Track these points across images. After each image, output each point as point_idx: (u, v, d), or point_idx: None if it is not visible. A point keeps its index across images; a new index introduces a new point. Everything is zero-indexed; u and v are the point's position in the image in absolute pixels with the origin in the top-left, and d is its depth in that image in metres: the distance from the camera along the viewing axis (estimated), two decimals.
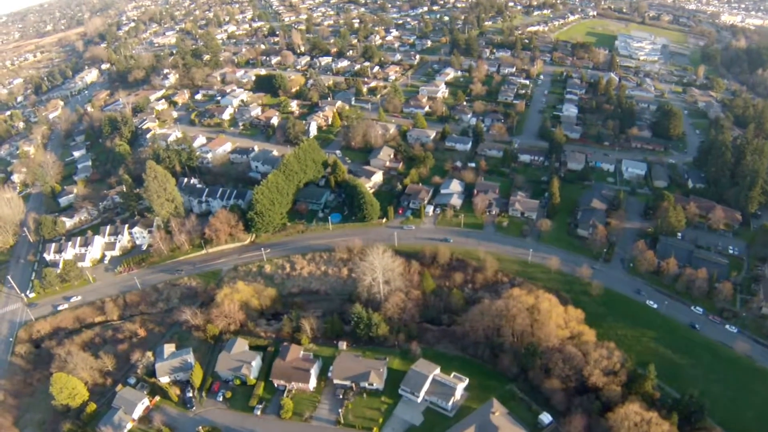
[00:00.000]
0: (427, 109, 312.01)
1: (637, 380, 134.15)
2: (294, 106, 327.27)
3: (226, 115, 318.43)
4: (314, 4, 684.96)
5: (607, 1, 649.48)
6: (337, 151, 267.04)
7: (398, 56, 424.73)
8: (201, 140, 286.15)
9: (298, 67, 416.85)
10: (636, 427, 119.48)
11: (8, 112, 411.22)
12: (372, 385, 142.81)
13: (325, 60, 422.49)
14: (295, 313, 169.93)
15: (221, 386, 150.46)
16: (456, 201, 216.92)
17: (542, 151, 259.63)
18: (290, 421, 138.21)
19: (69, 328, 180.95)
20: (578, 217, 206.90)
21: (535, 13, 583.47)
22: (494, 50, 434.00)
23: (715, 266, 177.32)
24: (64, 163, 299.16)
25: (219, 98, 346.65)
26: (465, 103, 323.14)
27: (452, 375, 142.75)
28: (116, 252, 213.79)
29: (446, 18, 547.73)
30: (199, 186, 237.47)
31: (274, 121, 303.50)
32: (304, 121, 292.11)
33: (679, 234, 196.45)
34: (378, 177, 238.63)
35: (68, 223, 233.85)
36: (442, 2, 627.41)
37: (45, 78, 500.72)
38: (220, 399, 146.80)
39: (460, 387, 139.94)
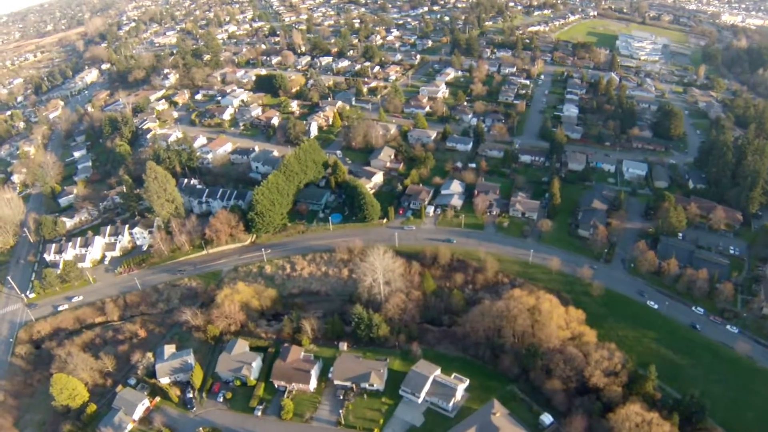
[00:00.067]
0: (427, 109, 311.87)
1: (638, 381, 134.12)
2: (294, 106, 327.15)
3: (227, 116, 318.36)
4: (315, 4, 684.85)
5: (608, 1, 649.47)
6: (338, 152, 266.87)
7: (399, 56, 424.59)
8: (201, 140, 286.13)
9: (299, 67, 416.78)
10: (637, 428, 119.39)
11: (8, 112, 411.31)
12: (372, 386, 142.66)
13: (326, 60, 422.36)
14: (295, 313, 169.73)
15: (221, 387, 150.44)
16: (456, 201, 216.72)
17: (543, 151, 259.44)
18: (291, 422, 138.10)
19: (69, 328, 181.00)
20: (579, 218, 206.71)
21: (536, 13, 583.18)
22: (495, 50, 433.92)
23: (716, 267, 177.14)
24: (64, 163, 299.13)
25: (219, 98, 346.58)
26: (465, 103, 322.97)
27: (453, 376, 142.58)
28: (116, 252, 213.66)
29: (447, 18, 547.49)
30: (199, 186, 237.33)
31: (275, 121, 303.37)
32: (304, 122, 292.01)
33: (680, 234, 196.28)
34: (378, 177, 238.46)
35: (68, 223, 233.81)
36: (442, 2, 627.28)
37: (45, 78, 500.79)
38: (221, 400, 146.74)
39: (461, 388, 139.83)
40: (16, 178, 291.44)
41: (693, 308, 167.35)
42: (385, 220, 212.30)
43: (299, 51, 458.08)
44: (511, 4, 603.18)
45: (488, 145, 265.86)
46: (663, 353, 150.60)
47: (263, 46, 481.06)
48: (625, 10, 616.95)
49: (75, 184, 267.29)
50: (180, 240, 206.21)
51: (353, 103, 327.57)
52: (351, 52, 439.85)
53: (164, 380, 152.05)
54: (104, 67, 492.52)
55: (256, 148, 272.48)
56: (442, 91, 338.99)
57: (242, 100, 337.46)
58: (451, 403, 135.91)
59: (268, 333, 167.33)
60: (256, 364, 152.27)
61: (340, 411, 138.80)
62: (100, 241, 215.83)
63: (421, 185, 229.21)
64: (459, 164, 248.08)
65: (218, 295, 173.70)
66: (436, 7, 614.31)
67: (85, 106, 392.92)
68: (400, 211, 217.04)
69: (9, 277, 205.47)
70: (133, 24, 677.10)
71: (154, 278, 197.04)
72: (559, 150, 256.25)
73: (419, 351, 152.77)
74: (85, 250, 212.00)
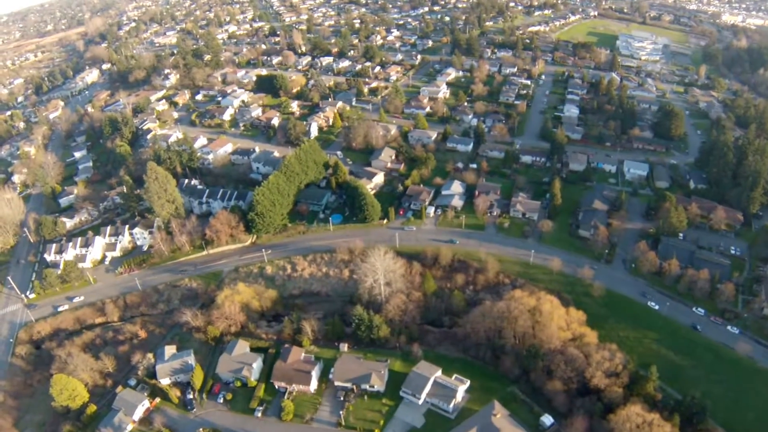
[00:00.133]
0: (428, 109, 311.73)
1: (638, 382, 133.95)
2: (295, 106, 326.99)
3: (227, 116, 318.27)
4: (315, 4, 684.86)
5: (608, 1, 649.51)
6: (338, 152, 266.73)
7: (399, 56, 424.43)
8: (202, 141, 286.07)
9: (299, 67, 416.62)
10: (638, 429, 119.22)
11: (9, 112, 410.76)
12: (373, 387, 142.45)
13: (326, 60, 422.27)
14: (296, 314, 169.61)
15: (222, 388, 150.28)
16: (457, 202, 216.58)
17: (544, 151, 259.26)
18: (291, 423, 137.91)
19: (69, 329, 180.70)
20: (580, 218, 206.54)
21: (537, 13, 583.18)
22: (495, 50, 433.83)
23: (717, 267, 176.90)
24: (64, 163, 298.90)
25: (220, 99, 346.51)
26: (466, 103, 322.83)
27: (453, 377, 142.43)
28: (117, 253, 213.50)
29: (447, 18, 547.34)
30: (199, 187, 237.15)
31: (275, 121, 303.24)
32: (305, 122, 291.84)
33: (681, 235, 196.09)
34: (379, 178, 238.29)
35: (69, 223, 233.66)
36: (443, 2, 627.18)
37: (45, 78, 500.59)
38: (221, 401, 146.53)
39: (462, 389, 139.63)
40: (16, 178, 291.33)
41: (694, 309, 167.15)
42: (385, 221, 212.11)
43: (300, 51, 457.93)
44: (512, 4, 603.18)
45: (489, 145, 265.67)
46: (664, 354, 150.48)
47: (264, 47, 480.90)
48: (625, 10, 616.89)
49: (75, 185, 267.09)
50: (180, 240, 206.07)
51: (354, 103, 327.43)
52: (351, 52, 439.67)
53: (164, 381, 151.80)
54: (105, 67, 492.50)
55: (257, 149, 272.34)
56: (443, 92, 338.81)
57: (243, 101, 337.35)
58: (451, 405, 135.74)
59: (269, 334, 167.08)
60: (257, 365, 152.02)
61: (341, 412, 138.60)
62: (100, 242, 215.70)
63: (421, 186, 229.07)
64: (460, 165, 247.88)
65: (219, 295, 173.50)
66: (436, 7, 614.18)
67: (85, 106, 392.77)
68: (401, 212, 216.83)
69: (9, 278, 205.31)
70: (133, 24, 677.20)
71: (155, 279, 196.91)
72: (559, 150, 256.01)
73: (420, 352, 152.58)
74: (85, 250, 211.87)
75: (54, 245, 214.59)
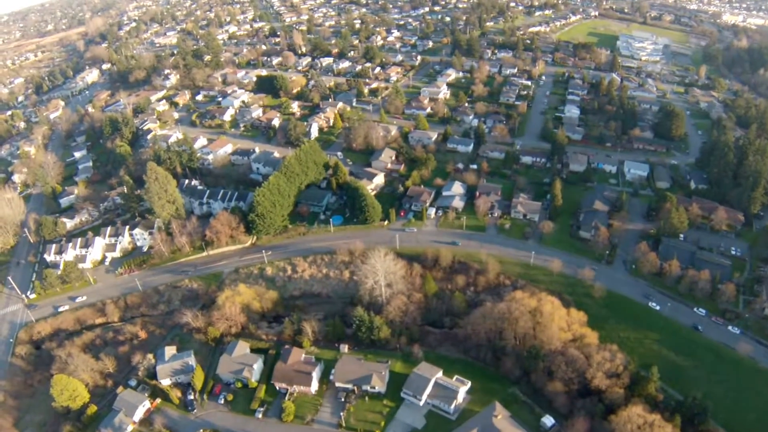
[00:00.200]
0: (428, 110, 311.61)
1: (639, 382, 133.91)
2: (295, 107, 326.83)
3: (227, 117, 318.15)
4: (315, 4, 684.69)
5: (609, 2, 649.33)
6: (339, 153, 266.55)
7: (400, 57, 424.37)
8: (202, 141, 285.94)
9: (300, 68, 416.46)
10: (639, 430, 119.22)
11: (9, 112, 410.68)
12: (374, 388, 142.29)
13: (327, 61, 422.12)
14: (296, 315, 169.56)
15: (222, 389, 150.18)
16: (458, 203, 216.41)
17: (544, 152, 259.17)
18: (292, 424, 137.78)
19: (69, 329, 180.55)
20: (580, 219, 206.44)
21: (537, 13, 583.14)
22: (496, 51, 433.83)
23: (718, 267, 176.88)
24: (64, 163, 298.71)
25: (220, 99, 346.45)
26: (467, 104, 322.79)
27: (454, 378, 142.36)
28: (117, 253, 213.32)
29: (448, 18, 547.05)
30: (200, 188, 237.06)
31: (275, 122, 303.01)
32: (305, 123, 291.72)
33: (682, 235, 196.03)
34: (379, 179, 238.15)
35: (69, 224, 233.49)
36: (443, 3, 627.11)
37: (46, 78, 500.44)
38: (222, 402, 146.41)
39: (463, 390, 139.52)
40: (16, 178, 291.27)
41: (695, 309, 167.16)
42: (386, 222, 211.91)
43: (300, 52, 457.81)
44: (512, 4, 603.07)
45: (489, 146, 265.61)
46: (665, 355, 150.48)
47: (264, 47, 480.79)
48: (626, 11, 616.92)
49: (75, 185, 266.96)
50: (180, 241, 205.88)
51: (354, 104, 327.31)
52: (352, 52, 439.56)
53: (165, 382, 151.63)
54: (105, 67, 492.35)
55: (257, 150, 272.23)
56: (443, 92, 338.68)
57: (243, 101, 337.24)
58: (452, 406, 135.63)
59: (269, 335, 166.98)
60: (257, 366, 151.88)
61: (342, 413, 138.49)
62: (100, 242, 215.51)
63: (422, 187, 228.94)
64: (460, 165, 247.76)
65: (219, 296, 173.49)
66: (437, 8, 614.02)
67: (85, 106, 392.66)
68: (401, 213, 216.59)
69: (9, 278, 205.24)
70: (133, 24, 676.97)
71: (155, 279, 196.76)
72: (560, 151, 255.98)
73: (420, 353, 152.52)
74: (85, 250, 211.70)
75: (54, 246, 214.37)
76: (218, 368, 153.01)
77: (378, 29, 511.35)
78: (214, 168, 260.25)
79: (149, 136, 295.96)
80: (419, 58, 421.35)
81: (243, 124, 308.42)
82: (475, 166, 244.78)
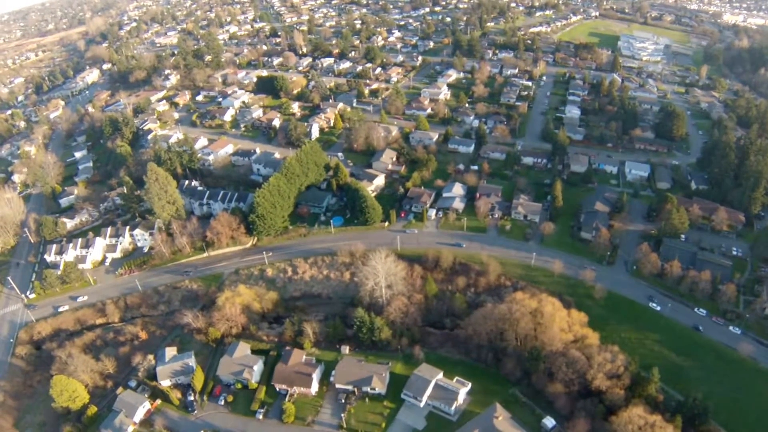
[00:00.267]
0: (429, 111, 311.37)
1: (640, 383, 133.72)
2: (296, 107, 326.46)
3: (228, 117, 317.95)
4: (316, 5, 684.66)
5: (610, 2, 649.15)
6: (339, 154, 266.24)
7: (400, 57, 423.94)
8: (202, 142, 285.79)
9: (300, 68, 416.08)
10: (640, 431, 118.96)
11: (9, 112, 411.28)
12: (374, 389, 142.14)
13: (327, 61, 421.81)
14: (297, 317, 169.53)
15: (223, 390, 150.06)
16: (458, 204, 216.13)
17: (545, 153, 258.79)
18: (292, 425, 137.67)
19: (70, 329, 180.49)
20: (581, 220, 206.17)
21: (538, 13, 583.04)
22: (497, 51, 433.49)
23: (719, 268, 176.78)
24: (65, 163, 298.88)
25: (220, 99, 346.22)
26: (467, 104, 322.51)
27: (455, 379, 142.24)
28: (117, 254, 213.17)
29: (448, 19, 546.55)
30: (200, 188, 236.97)
31: (276, 123, 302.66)
32: (305, 123, 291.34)
33: (683, 236, 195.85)
34: (380, 180, 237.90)
35: (69, 224, 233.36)
36: (444, 3, 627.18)
37: (46, 77, 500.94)
38: (222, 403, 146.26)
39: (463, 391, 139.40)
40: (16, 178, 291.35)
41: (695, 310, 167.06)
42: (386, 223, 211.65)
43: (300, 52, 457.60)
44: (513, 4, 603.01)
45: (490, 147, 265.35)
46: (666, 355, 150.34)
47: (264, 47, 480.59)
48: (626, 11, 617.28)
49: (76, 185, 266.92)
50: (181, 242, 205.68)
51: (354, 104, 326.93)
52: (352, 53, 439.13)
53: (165, 383, 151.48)
54: (105, 67, 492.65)
55: (258, 150, 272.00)
56: (444, 93, 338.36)
57: (243, 102, 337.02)
58: (453, 407, 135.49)
59: (270, 336, 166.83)
60: (258, 367, 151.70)
61: (342, 415, 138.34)
62: (100, 243, 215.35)
63: (422, 188, 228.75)
64: (461, 166, 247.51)
65: (219, 297, 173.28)
66: (437, 8, 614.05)
67: (85, 106, 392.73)
68: (402, 214, 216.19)
69: (9, 278, 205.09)
70: (134, 24, 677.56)
71: (155, 280, 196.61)
72: (561, 152, 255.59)
73: (421, 354, 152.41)
74: (85, 251, 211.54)
75: (54, 246, 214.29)
76: (218, 369, 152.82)
77: (379, 30, 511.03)
78: (214, 168, 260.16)
79: (149, 137, 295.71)
80: (420, 58, 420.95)
81: (243, 124, 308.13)
82: (475, 167, 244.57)
